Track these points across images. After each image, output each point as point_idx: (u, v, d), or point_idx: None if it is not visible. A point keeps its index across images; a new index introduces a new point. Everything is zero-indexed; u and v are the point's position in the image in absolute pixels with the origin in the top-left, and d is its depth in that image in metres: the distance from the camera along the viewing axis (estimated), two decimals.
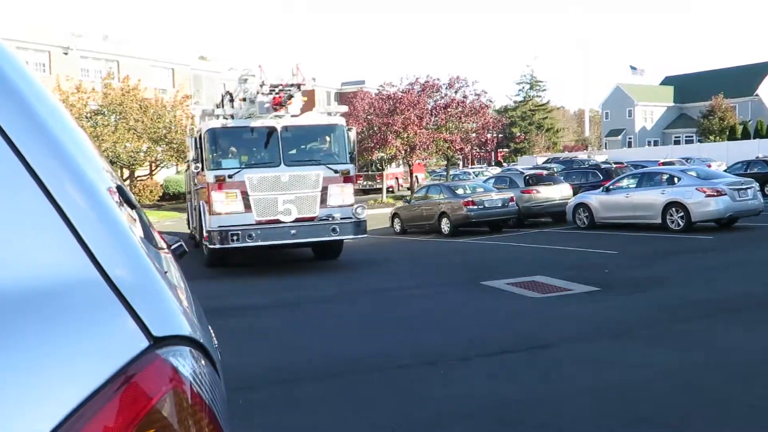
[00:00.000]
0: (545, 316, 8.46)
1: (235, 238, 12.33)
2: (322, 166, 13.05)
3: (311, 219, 12.84)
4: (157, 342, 0.91)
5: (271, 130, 13.01)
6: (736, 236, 15.22)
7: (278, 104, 12.66)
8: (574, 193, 21.08)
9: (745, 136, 55.44)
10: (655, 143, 71.66)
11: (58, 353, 0.82)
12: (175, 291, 1.05)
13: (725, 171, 25.49)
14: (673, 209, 16.52)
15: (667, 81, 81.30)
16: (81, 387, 0.80)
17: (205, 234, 13.00)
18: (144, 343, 0.89)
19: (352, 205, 13.29)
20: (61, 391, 0.79)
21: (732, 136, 56.84)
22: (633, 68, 76.97)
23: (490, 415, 4.95)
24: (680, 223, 16.30)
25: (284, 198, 12.70)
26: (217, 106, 14.81)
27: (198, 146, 13.46)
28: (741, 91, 68.77)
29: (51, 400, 0.78)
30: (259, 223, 12.56)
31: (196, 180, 14.72)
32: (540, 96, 74.24)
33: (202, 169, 13.24)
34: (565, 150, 66.40)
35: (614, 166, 27.20)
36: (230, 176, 12.51)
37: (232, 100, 13.84)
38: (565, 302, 9.13)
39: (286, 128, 13.05)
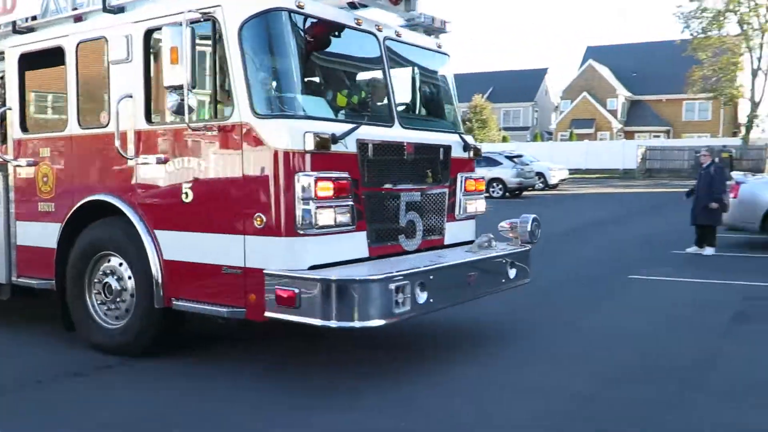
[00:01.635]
0: None
1: (401, 296, 4.77)
2: (453, 134, 6.46)
3: (438, 244, 6.08)
4: None
5: (372, 44, 5.76)
6: None
7: None
8: None
9: None
10: None
11: None
12: None
13: None
14: None
15: None
16: None
17: (277, 288, 4.70)
18: None
19: (475, 214, 6.62)
20: None
21: None
22: None
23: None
24: None
25: (407, 198, 5.68)
26: None
27: (192, 51, 4.83)
28: None
29: None
30: (375, 254, 5.38)
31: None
32: None
33: (212, 115, 5.14)
34: None
35: None
36: (336, 138, 4.92)
37: None
38: None
39: (393, 45, 5.95)
